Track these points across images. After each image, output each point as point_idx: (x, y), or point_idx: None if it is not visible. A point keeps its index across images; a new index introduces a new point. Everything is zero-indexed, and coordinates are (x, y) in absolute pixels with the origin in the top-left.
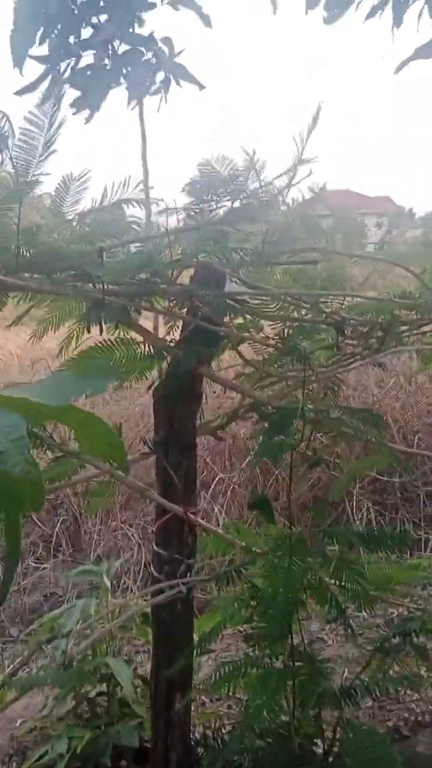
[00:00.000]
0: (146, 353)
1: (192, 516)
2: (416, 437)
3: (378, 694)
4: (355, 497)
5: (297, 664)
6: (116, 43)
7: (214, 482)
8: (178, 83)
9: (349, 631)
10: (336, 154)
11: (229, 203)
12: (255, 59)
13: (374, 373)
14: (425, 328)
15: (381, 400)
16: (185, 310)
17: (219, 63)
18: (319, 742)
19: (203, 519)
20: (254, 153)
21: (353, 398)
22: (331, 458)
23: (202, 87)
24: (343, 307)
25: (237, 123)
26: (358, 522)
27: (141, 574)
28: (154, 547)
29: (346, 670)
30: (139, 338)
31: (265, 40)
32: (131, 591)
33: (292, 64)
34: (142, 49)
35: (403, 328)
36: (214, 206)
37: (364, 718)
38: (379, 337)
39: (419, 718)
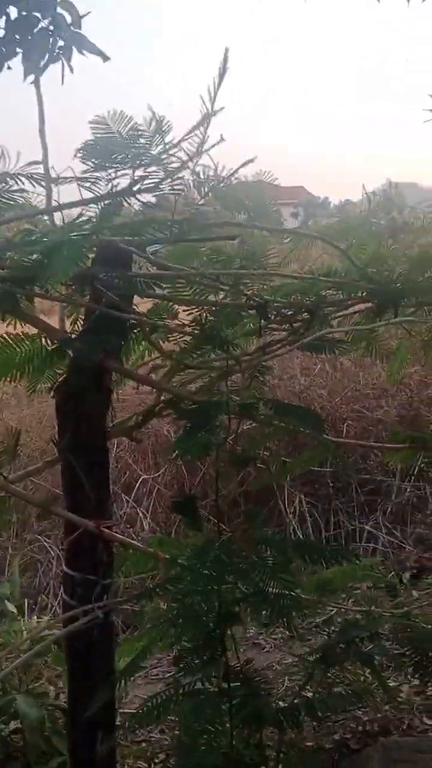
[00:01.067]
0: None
1: (106, 530)
2: (345, 424)
3: (323, 712)
4: (286, 490)
5: (233, 684)
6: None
7: (138, 484)
8: (81, 52)
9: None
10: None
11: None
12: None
13: (300, 361)
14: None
15: (308, 388)
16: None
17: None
18: None
19: (127, 525)
20: (161, 116)
21: (279, 387)
22: (263, 450)
23: (106, 58)
24: (266, 288)
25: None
26: (290, 515)
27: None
28: (65, 567)
29: (287, 680)
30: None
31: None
32: (50, 611)
33: (247, 40)
34: (38, 14)
35: (330, 309)
36: (114, 174)
37: (308, 731)
38: (304, 319)
39: (367, 728)
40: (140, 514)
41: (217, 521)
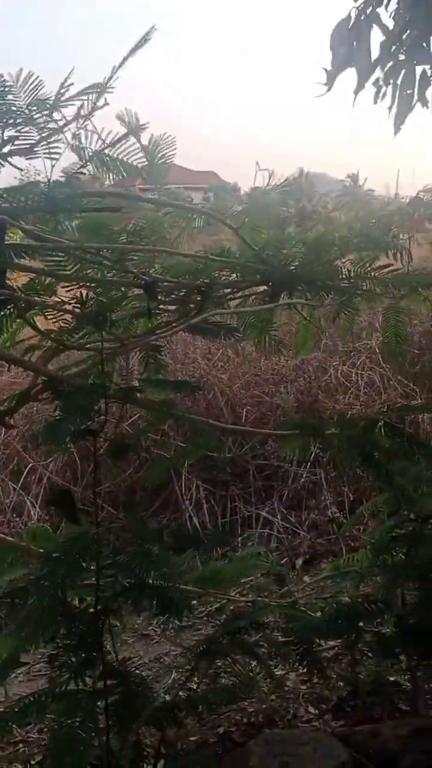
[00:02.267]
0: None
1: None
2: (245, 410)
3: (204, 709)
4: (183, 476)
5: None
6: None
7: (26, 471)
8: None
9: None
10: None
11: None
12: None
13: (202, 345)
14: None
15: (208, 372)
16: None
17: None
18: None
19: (14, 515)
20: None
21: (180, 372)
22: (158, 436)
23: None
24: (156, 267)
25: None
26: (187, 502)
27: None
28: None
29: (174, 674)
30: None
31: None
32: None
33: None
34: None
35: (225, 291)
36: None
37: (193, 726)
38: (197, 301)
39: (252, 720)
40: (28, 503)
41: (94, 513)
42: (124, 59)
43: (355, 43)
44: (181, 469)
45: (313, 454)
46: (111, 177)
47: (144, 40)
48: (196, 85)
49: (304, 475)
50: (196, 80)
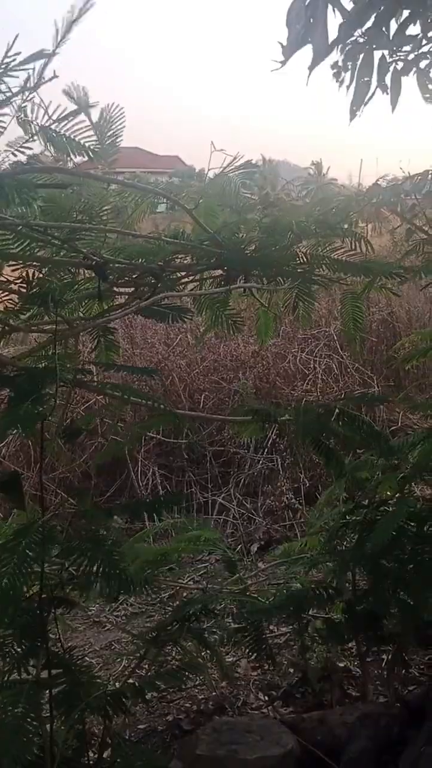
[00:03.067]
0: None
1: None
2: (203, 395)
3: (152, 695)
4: (140, 462)
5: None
6: None
7: None
8: None
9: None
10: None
11: None
12: None
13: (161, 330)
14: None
15: (167, 357)
16: None
17: None
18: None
19: None
20: None
21: (139, 357)
22: (114, 420)
23: None
24: (108, 249)
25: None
26: (143, 488)
27: None
28: None
29: (125, 661)
30: None
31: None
32: None
33: None
34: None
35: (180, 274)
36: None
37: (142, 714)
38: (150, 283)
39: (202, 707)
40: None
41: (40, 499)
42: (70, 23)
43: (311, 20)
44: (137, 454)
45: (270, 441)
46: (69, 159)
47: (87, 6)
48: (161, 68)
49: (260, 462)
50: (162, 63)
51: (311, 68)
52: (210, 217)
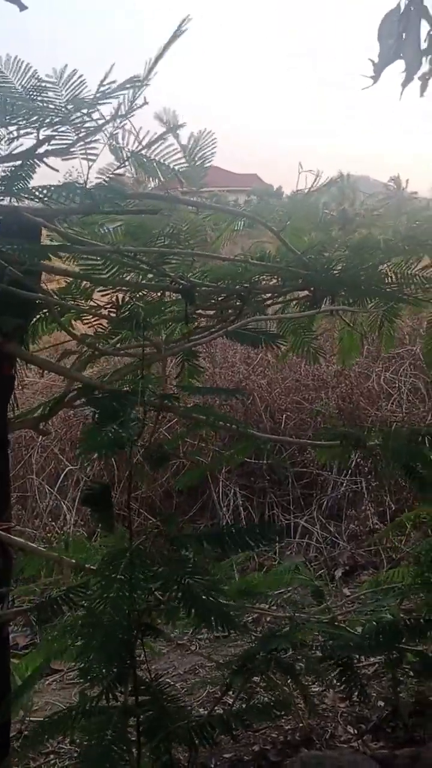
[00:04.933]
0: None
1: (1, 532)
2: (284, 416)
3: (238, 728)
4: (221, 483)
5: (141, 699)
6: None
7: (63, 475)
8: None
9: None
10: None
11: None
12: None
13: (241, 349)
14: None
15: (247, 377)
16: None
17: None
18: None
19: (50, 519)
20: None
21: (219, 376)
22: (196, 441)
23: (23, 7)
24: (194, 272)
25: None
26: (224, 509)
27: None
28: None
29: (209, 687)
30: None
31: None
32: None
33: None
34: None
35: (265, 296)
36: (15, 133)
37: (227, 743)
38: (236, 306)
39: (288, 738)
40: (64, 507)
41: (128, 524)
42: (161, 52)
43: (404, 35)
44: (218, 475)
45: (353, 463)
46: (152, 179)
47: (179, 31)
48: (237, 87)
49: (344, 484)
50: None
51: (404, 84)
52: (296, 237)
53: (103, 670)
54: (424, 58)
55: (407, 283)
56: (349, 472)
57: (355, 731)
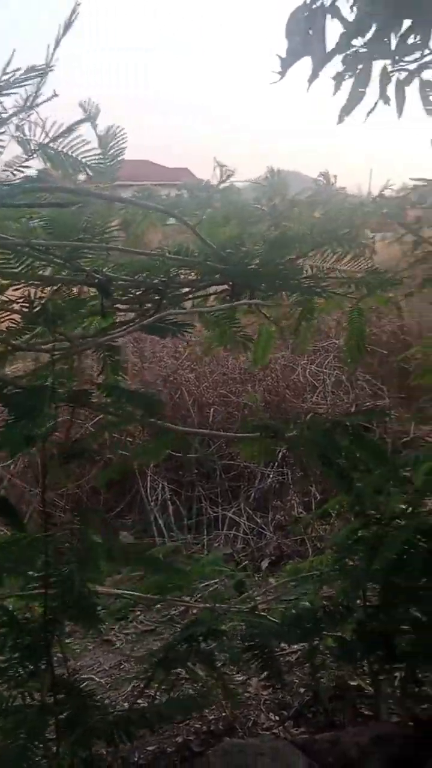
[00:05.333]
0: None
1: None
2: (212, 409)
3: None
4: (149, 477)
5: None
6: None
7: None
8: None
9: None
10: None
11: None
12: None
13: (170, 344)
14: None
15: (175, 371)
16: None
17: None
18: None
19: None
20: None
21: (148, 371)
22: (122, 436)
23: None
24: (110, 265)
25: None
26: (152, 503)
27: None
28: None
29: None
30: None
31: None
32: None
33: None
34: None
35: (184, 290)
36: None
37: (151, 735)
38: (155, 300)
39: (211, 727)
40: None
41: (43, 520)
42: (59, 39)
43: (310, 32)
44: (146, 469)
45: (280, 454)
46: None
47: (70, 21)
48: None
49: (271, 476)
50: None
51: (311, 80)
52: (214, 231)
53: (18, 669)
54: (336, 57)
55: (323, 277)
56: (276, 463)
57: (277, 718)
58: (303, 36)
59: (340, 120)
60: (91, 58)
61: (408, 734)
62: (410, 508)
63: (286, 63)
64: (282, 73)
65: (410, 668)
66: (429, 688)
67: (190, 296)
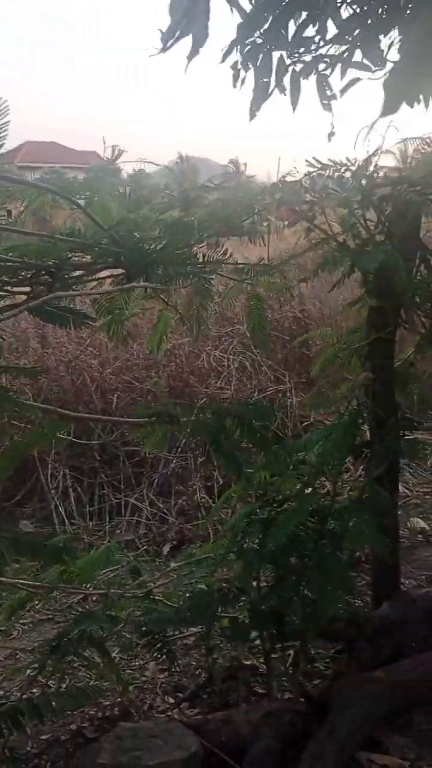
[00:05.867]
0: None
1: None
2: (115, 395)
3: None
4: (50, 465)
5: None
6: None
7: None
8: None
9: None
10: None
11: None
12: None
13: (74, 330)
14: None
15: (77, 357)
16: None
17: None
18: None
19: None
20: None
21: (51, 357)
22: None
23: None
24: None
25: None
26: (53, 491)
27: None
28: None
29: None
30: None
31: None
32: None
33: None
34: None
35: (77, 273)
36: None
37: (45, 724)
38: (47, 282)
39: (107, 713)
40: None
41: None
42: None
43: (191, 9)
44: (46, 456)
45: (183, 439)
46: None
47: None
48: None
49: (174, 461)
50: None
51: (190, 57)
52: (105, 213)
53: None
54: (235, 49)
55: (221, 262)
56: (179, 449)
57: (173, 701)
58: (185, 13)
59: (252, 116)
60: None
61: (299, 710)
62: (306, 489)
63: (166, 37)
64: (163, 49)
65: (302, 646)
66: (320, 663)
67: (85, 279)
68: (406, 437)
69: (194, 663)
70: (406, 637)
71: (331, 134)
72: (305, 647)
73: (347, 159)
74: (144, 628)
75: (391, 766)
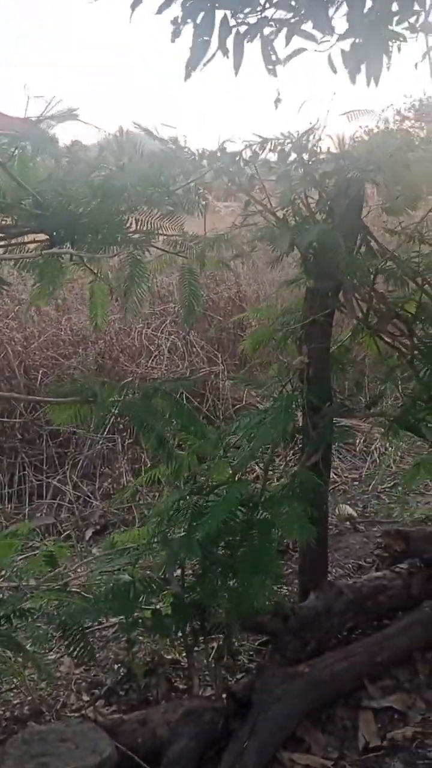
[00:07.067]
0: None
1: None
2: (40, 372)
3: None
4: None
5: None
6: None
7: None
8: None
9: None
10: None
11: None
12: None
13: None
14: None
15: (0, 330)
16: None
17: None
18: None
19: None
20: None
21: None
22: None
23: None
24: None
25: None
26: None
27: None
28: None
29: None
30: None
31: None
32: None
33: None
34: None
35: None
36: None
37: None
38: None
39: (16, 713)
40: None
41: None
42: None
43: None
44: None
45: (110, 420)
46: None
47: None
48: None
49: (100, 442)
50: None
51: (133, 6)
52: (29, 171)
53: None
54: (174, 1)
55: (153, 233)
56: (106, 430)
57: (88, 698)
58: None
59: (187, 76)
60: None
61: (219, 707)
62: (237, 476)
63: None
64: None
65: (226, 639)
66: (244, 657)
67: (3, 245)
68: (340, 424)
69: (113, 657)
70: (333, 629)
71: (277, 101)
72: (229, 640)
73: (288, 131)
74: (57, 622)
75: (314, 767)
